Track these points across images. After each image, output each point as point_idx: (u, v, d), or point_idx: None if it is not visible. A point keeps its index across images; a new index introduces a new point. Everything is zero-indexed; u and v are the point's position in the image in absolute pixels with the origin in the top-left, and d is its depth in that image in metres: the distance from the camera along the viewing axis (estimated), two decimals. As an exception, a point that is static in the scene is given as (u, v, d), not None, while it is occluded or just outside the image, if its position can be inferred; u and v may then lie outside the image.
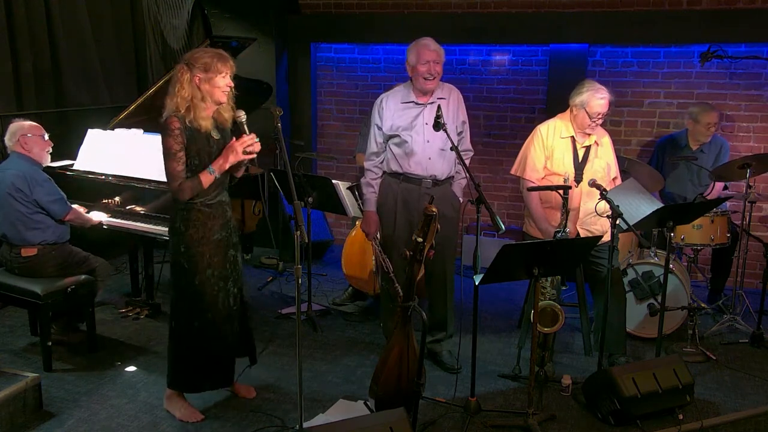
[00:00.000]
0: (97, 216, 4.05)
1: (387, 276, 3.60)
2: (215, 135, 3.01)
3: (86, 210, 4.05)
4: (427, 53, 3.45)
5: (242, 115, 3.02)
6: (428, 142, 3.51)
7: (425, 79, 3.47)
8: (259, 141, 3.01)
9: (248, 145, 2.96)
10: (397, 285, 3.50)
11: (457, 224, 3.73)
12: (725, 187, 4.72)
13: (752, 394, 3.56)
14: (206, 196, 3.01)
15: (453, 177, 3.67)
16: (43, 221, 3.71)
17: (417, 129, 3.52)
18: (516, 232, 5.12)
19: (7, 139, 3.75)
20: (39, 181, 3.69)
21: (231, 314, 3.17)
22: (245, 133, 3.00)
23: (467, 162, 3.62)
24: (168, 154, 2.91)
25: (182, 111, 2.90)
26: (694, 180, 4.69)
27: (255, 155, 3.00)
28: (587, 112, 3.58)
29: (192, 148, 2.93)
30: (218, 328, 3.13)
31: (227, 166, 2.98)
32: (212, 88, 2.92)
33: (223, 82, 2.93)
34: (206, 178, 2.94)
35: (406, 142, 3.52)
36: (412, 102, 3.55)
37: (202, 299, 3.07)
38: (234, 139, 3.01)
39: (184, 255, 3.03)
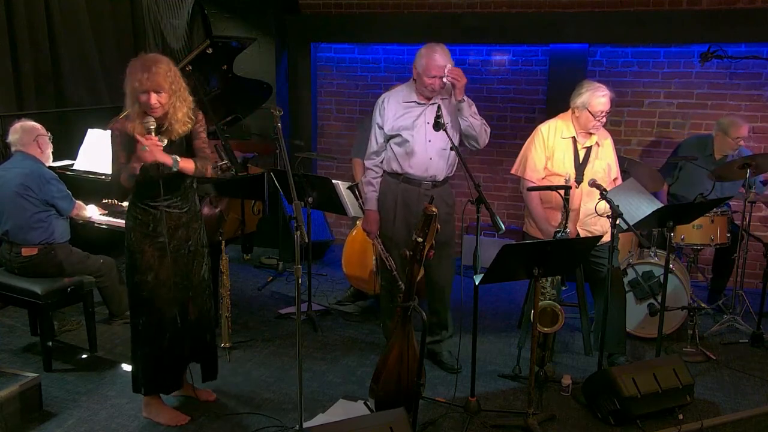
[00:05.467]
0: (91, 210, 4.08)
1: (390, 274, 3.61)
2: (161, 142, 2.90)
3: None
4: (435, 69, 3.38)
5: (150, 121, 2.86)
6: (429, 141, 3.51)
7: (428, 90, 3.46)
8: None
9: (145, 144, 2.81)
10: (401, 283, 3.51)
11: (453, 224, 3.72)
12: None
13: (752, 394, 3.56)
14: (151, 199, 2.98)
15: (451, 177, 3.66)
16: (45, 221, 3.72)
17: (418, 129, 3.51)
18: (516, 232, 5.12)
19: (16, 139, 3.76)
20: (47, 179, 3.73)
21: (174, 322, 3.09)
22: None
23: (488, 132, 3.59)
24: (112, 156, 2.98)
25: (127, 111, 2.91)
26: (705, 182, 4.61)
27: (154, 155, 2.83)
28: (590, 112, 3.58)
29: (130, 153, 2.88)
30: (158, 333, 3.07)
31: (135, 165, 2.84)
32: (138, 98, 2.84)
33: (144, 98, 2.81)
34: (124, 180, 2.89)
35: (408, 141, 3.51)
36: (414, 102, 3.54)
37: (140, 300, 3.05)
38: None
39: (130, 254, 3.03)
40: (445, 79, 3.41)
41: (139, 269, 3.03)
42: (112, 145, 2.97)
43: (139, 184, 2.94)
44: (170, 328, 3.10)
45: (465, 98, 3.44)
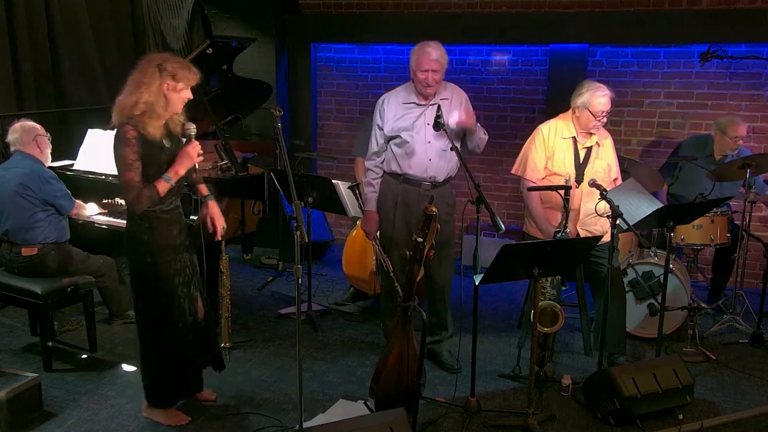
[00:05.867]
0: (91, 210, 4.09)
1: (387, 275, 3.61)
2: (167, 143, 2.95)
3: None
4: (426, 62, 3.39)
5: (192, 127, 2.98)
6: (429, 142, 3.51)
7: (422, 86, 3.46)
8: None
9: (200, 148, 2.96)
10: (397, 285, 3.51)
11: (453, 224, 3.72)
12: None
13: (752, 394, 3.57)
14: (162, 204, 2.95)
15: (452, 178, 3.67)
16: (45, 220, 3.72)
17: (418, 129, 3.51)
18: (516, 232, 5.12)
19: (15, 139, 3.76)
20: (47, 178, 3.73)
21: (196, 321, 3.13)
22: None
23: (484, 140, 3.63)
24: (125, 164, 2.82)
25: (136, 112, 2.83)
26: (705, 182, 4.61)
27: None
28: (591, 112, 3.58)
29: (146, 158, 2.86)
30: (186, 337, 3.09)
31: (183, 172, 2.94)
32: (177, 98, 2.89)
33: (186, 94, 2.91)
34: (162, 186, 2.88)
35: (407, 142, 3.51)
36: (414, 103, 3.54)
37: (172, 308, 3.03)
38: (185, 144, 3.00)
39: (151, 265, 2.97)
40: (453, 124, 3.45)
41: (165, 278, 2.99)
42: (126, 151, 2.81)
43: None
44: (195, 329, 3.13)
45: (477, 124, 3.52)
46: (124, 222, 3.58)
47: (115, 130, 2.87)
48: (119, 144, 2.83)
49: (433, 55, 3.39)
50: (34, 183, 3.67)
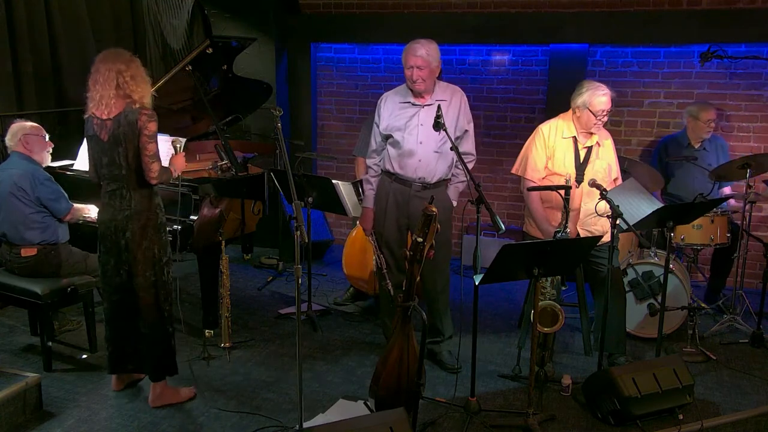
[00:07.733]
0: (92, 210, 4.08)
1: (380, 272, 3.61)
2: None
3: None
4: (411, 59, 3.40)
5: (181, 141, 3.43)
6: (421, 143, 3.50)
7: (410, 82, 3.47)
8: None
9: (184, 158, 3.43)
10: (388, 281, 3.51)
11: (450, 228, 3.70)
12: None
13: (752, 394, 3.56)
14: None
15: (449, 180, 3.65)
16: (43, 221, 3.71)
17: (410, 130, 3.51)
18: (516, 232, 5.12)
19: (8, 139, 3.76)
20: (41, 179, 3.71)
21: None
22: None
23: (470, 166, 3.59)
24: (155, 138, 3.06)
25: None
26: (700, 180, 4.65)
27: None
28: (591, 111, 3.58)
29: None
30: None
31: (177, 173, 3.34)
32: None
33: None
34: (169, 172, 3.24)
35: (399, 142, 3.52)
36: (410, 102, 3.54)
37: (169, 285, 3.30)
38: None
39: (165, 248, 3.23)
40: None
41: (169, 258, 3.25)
42: (156, 127, 3.10)
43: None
44: None
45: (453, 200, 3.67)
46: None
47: (142, 109, 3.05)
48: (154, 119, 3.05)
49: (418, 51, 3.39)
50: (27, 184, 3.65)
